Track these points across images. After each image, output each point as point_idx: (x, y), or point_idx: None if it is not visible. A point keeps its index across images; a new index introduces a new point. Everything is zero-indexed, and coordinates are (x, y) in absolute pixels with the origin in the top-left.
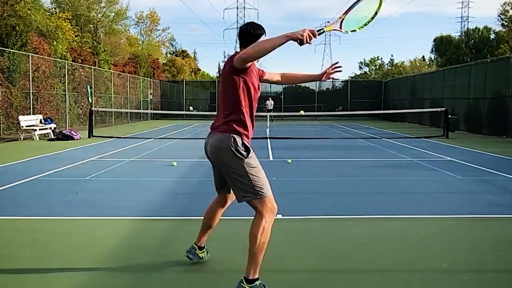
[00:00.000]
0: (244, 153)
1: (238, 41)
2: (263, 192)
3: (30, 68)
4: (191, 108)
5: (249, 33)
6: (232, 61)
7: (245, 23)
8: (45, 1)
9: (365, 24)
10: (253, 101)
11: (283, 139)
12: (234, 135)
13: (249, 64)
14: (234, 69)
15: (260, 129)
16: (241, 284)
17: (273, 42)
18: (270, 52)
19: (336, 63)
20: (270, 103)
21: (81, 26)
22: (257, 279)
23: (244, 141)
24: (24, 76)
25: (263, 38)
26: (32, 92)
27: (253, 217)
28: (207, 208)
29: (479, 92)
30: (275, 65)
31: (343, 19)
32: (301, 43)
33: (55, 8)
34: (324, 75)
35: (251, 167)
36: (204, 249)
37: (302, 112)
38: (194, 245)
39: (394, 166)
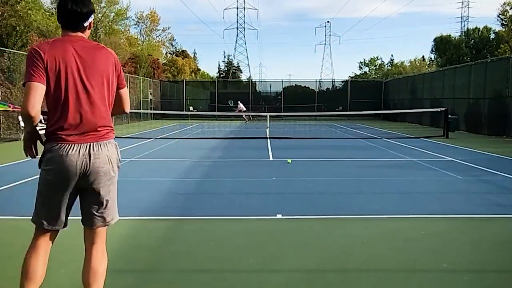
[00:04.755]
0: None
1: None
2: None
3: None
4: (191, 108)
5: (82, 14)
6: (119, 68)
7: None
8: (45, 1)
9: None
10: None
11: (283, 139)
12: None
13: None
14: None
15: (260, 129)
16: None
17: None
18: None
19: None
20: (241, 106)
21: None
22: None
23: None
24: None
25: (92, 18)
26: None
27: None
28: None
29: (479, 92)
30: (276, 65)
31: None
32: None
33: (55, 8)
34: None
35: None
36: None
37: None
38: None
39: (394, 166)
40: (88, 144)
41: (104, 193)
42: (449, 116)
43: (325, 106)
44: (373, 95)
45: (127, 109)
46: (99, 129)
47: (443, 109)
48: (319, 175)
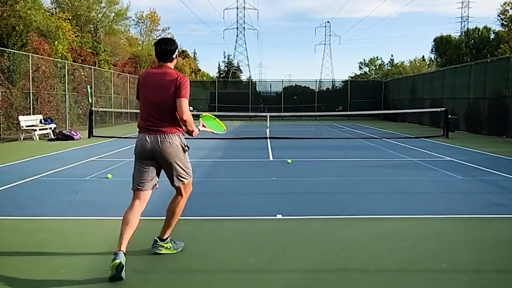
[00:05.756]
0: (187, 147)
1: (157, 54)
2: (191, 174)
3: (30, 68)
4: (191, 108)
5: (167, 50)
6: (182, 85)
7: (160, 39)
8: (45, 1)
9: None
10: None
11: (283, 139)
12: (181, 134)
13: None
14: (175, 94)
15: (260, 129)
16: (158, 243)
17: (192, 127)
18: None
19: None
20: None
21: (81, 26)
22: (168, 237)
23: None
24: (24, 76)
25: (177, 52)
26: (32, 92)
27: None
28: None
29: (479, 92)
30: (276, 65)
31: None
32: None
33: (55, 8)
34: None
35: (188, 158)
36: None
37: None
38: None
39: (394, 166)
40: (151, 135)
41: (167, 166)
42: (449, 116)
43: (325, 106)
44: (373, 95)
45: (183, 116)
46: (162, 123)
47: (443, 109)
48: (319, 175)
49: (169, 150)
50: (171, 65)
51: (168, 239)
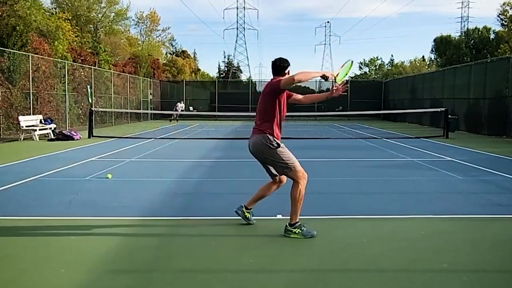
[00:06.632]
0: (276, 145)
1: (272, 72)
2: (293, 166)
3: (30, 68)
4: (191, 108)
5: (280, 66)
6: (275, 85)
7: (276, 58)
8: (45, 1)
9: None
10: (282, 111)
11: (283, 139)
12: (267, 134)
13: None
14: (276, 91)
15: None
16: (287, 228)
17: (310, 75)
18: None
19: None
20: (180, 106)
21: (81, 26)
22: (298, 221)
23: (275, 137)
24: (24, 76)
25: (289, 69)
26: (32, 92)
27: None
28: (264, 184)
29: (479, 92)
30: None
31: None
32: (326, 79)
33: (55, 8)
34: (334, 92)
35: (282, 154)
36: (251, 211)
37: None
38: (243, 206)
39: (395, 166)
40: (253, 135)
41: (264, 161)
42: (449, 116)
43: (325, 106)
44: (373, 95)
45: (297, 79)
46: (256, 127)
47: (443, 109)
48: (319, 175)
49: (258, 148)
50: (285, 77)
51: (297, 224)
